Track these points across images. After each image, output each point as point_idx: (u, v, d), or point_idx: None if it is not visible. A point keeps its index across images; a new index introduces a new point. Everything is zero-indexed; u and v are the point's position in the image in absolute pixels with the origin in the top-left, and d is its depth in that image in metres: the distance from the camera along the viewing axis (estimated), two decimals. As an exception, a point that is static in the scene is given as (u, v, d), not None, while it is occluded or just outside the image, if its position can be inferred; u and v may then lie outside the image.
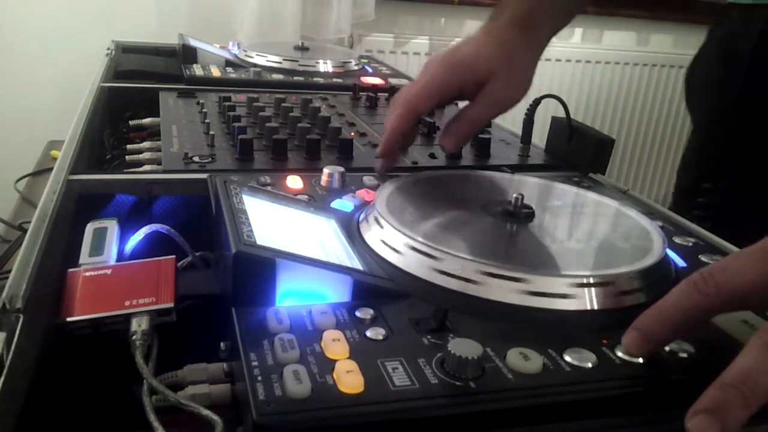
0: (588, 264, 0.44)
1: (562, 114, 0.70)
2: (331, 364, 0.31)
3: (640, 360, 0.33)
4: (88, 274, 0.42)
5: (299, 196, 0.51)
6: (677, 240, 0.50)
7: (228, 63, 1.07)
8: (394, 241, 0.42)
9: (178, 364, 0.37)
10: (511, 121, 0.65)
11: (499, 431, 0.30)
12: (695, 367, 0.33)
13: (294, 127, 0.71)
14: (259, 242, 0.39)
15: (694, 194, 0.93)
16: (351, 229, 0.46)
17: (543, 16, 0.63)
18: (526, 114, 0.72)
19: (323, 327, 0.34)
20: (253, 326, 0.34)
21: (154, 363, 0.37)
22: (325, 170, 0.55)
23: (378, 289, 0.39)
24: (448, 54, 0.60)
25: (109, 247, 0.46)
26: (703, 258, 0.47)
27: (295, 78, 1.03)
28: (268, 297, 0.37)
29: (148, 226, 0.48)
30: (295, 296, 0.38)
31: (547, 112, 0.72)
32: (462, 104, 0.64)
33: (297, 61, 1.09)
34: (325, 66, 1.10)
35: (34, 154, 1.11)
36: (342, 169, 0.55)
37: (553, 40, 0.65)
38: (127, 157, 0.70)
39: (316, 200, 0.51)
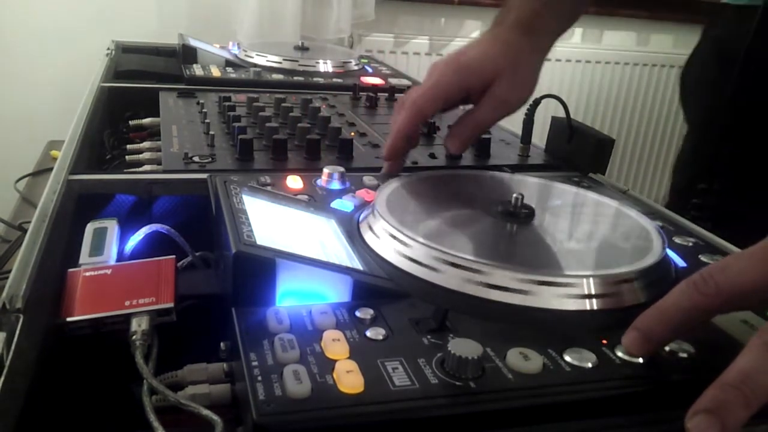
0: (588, 264, 0.44)
1: (562, 114, 0.70)
2: (331, 364, 0.31)
3: (640, 360, 0.33)
4: (88, 274, 0.42)
5: (299, 196, 0.51)
6: (677, 240, 0.50)
7: (228, 63, 1.07)
8: (394, 241, 0.42)
9: (178, 364, 0.37)
10: (511, 121, 0.65)
11: (499, 431, 0.30)
12: (695, 367, 0.33)
13: (294, 127, 0.71)
14: (259, 242, 0.39)
15: (689, 195, 0.93)
16: (351, 229, 0.46)
17: (547, 18, 0.63)
18: (526, 114, 0.72)
19: (323, 327, 0.34)
20: (253, 326, 0.34)
21: (154, 363, 0.37)
22: (325, 170, 0.55)
23: (378, 289, 0.39)
24: (454, 57, 0.60)
25: (109, 247, 0.46)
26: (703, 258, 0.47)
27: (295, 78, 1.03)
28: (268, 297, 0.37)
29: (148, 226, 0.48)
30: (295, 296, 0.38)
31: (547, 112, 0.72)
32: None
33: (297, 61, 1.09)
34: (325, 66, 1.10)
35: (34, 154, 1.11)
36: (342, 169, 0.55)
37: (554, 40, 0.65)
38: (127, 157, 0.70)
39: (316, 200, 0.51)
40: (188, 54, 1.06)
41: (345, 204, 0.51)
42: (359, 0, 1.86)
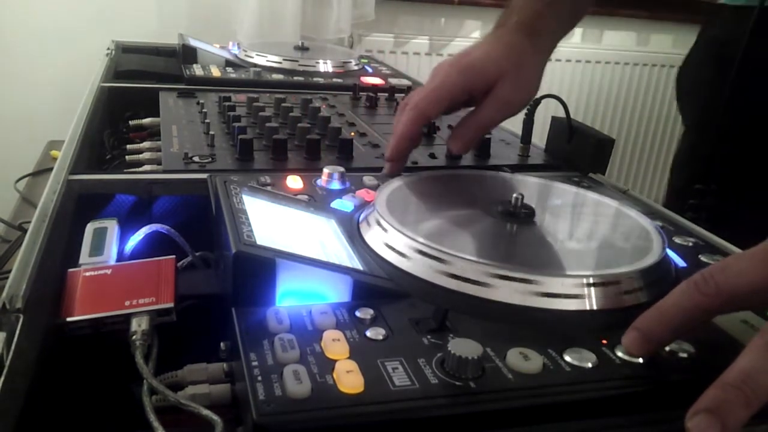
0: (588, 264, 0.44)
1: (562, 114, 0.70)
2: (331, 364, 0.31)
3: (640, 360, 0.33)
4: (88, 274, 0.42)
5: (299, 196, 0.51)
6: (677, 240, 0.50)
7: (228, 63, 1.07)
8: (394, 241, 0.42)
9: (178, 364, 0.37)
10: (511, 121, 0.65)
11: (499, 431, 0.30)
12: (695, 367, 0.33)
13: (294, 127, 0.71)
14: (259, 242, 0.39)
15: (686, 195, 0.93)
16: (351, 229, 0.46)
17: (549, 19, 0.63)
18: (526, 114, 0.72)
19: (323, 327, 0.34)
20: (253, 326, 0.34)
21: (154, 363, 0.37)
22: (325, 170, 0.55)
23: (378, 289, 0.39)
24: (457, 58, 0.60)
25: (109, 247, 0.46)
26: (703, 258, 0.47)
27: (295, 78, 1.03)
28: (268, 297, 0.37)
29: (148, 226, 0.48)
30: (295, 296, 0.38)
31: (547, 112, 0.72)
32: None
33: (297, 61, 1.09)
34: (325, 66, 1.10)
35: (34, 154, 1.11)
36: (342, 169, 0.55)
37: (554, 40, 0.65)
38: (127, 157, 0.70)
39: (316, 200, 0.51)
40: (188, 54, 1.06)
41: (345, 204, 0.51)
42: (359, 0, 1.86)
